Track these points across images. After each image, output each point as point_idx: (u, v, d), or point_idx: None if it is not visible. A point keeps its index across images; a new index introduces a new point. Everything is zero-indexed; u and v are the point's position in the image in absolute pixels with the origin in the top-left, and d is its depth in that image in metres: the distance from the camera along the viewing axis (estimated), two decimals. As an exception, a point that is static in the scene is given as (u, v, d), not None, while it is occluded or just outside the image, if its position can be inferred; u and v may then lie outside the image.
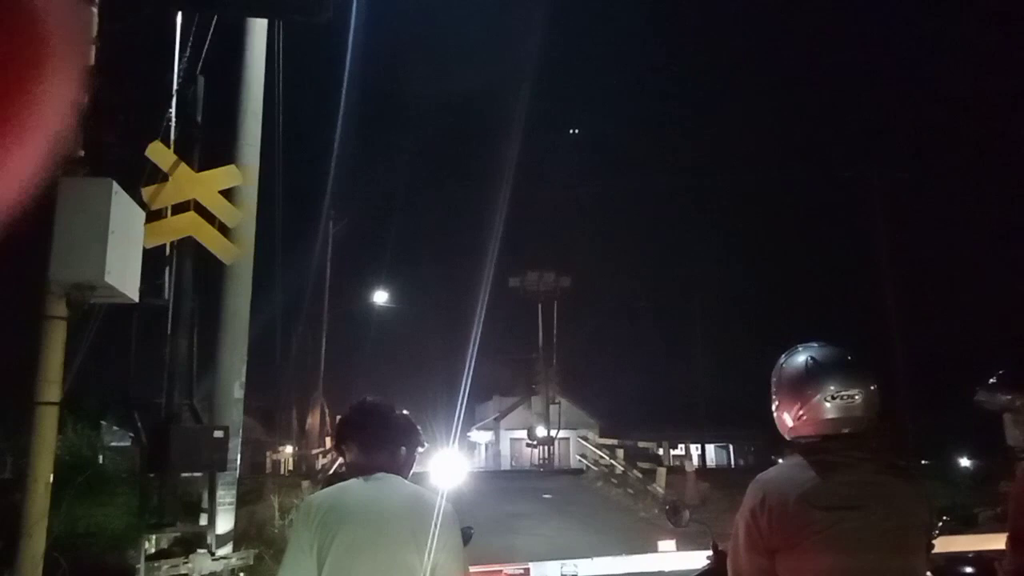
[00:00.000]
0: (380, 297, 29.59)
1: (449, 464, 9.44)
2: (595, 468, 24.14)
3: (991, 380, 2.88)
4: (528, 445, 35.29)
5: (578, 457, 29.91)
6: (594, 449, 25.52)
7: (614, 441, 27.42)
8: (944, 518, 3.52)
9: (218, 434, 5.96)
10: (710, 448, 38.55)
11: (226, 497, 6.34)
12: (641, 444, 29.56)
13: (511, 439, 40.26)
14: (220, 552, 6.04)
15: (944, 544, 3.56)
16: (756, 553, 1.94)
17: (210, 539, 5.99)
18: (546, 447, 33.42)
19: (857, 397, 1.97)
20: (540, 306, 35.31)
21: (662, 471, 17.82)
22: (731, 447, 40.53)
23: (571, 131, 46.72)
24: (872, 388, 2.00)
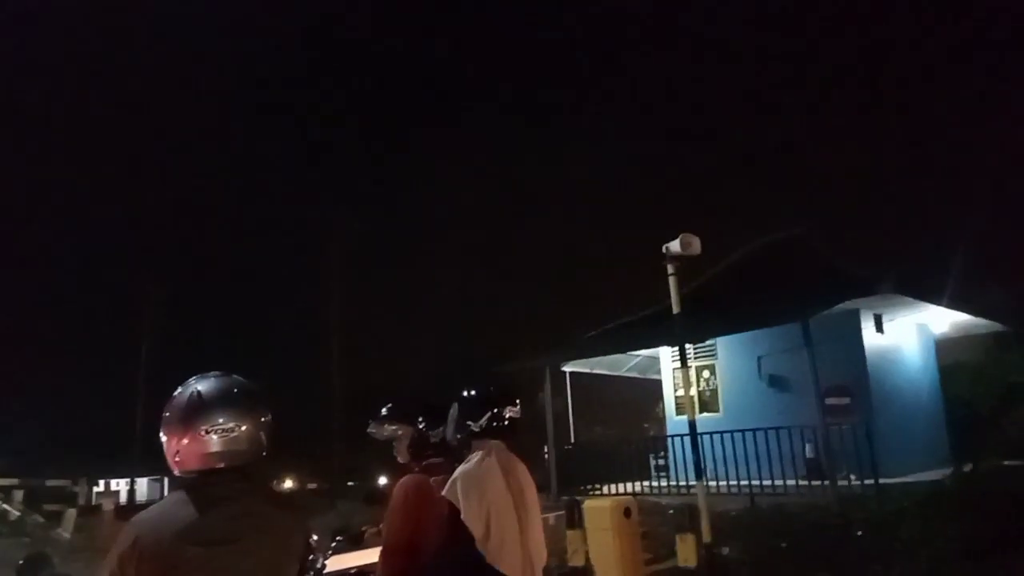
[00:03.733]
0: None
1: None
2: (-18, 515, 19.64)
3: (378, 415, 3.29)
4: None
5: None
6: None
7: (14, 481, 22.88)
8: (338, 539, 3.80)
9: None
10: (143, 482, 35.46)
11: None
12: (52, 483, 25.41)
13: None
14: None
15: (335, 562, 3.84)
16: None
17: None
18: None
19: (240, 430, 1.94)
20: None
21: (71, 513, 15.52)
22: (166, 480, 38.06)
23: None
24: (262, 420, 1.99)
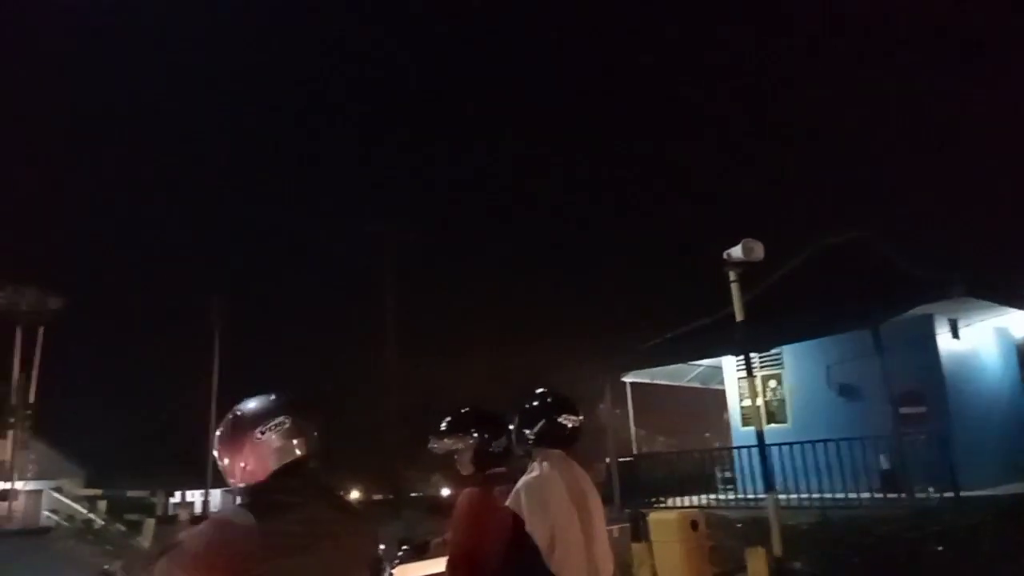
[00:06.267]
0: None
1: None
2: (68, 524, 20.66)
3: (438, 429, 3.34)
4: (-19, 502, 28.49)
5: (47, 513, 25.25)
6: (69, 502, 21.84)
7: (98, 491, 23.95)
8: (404, 548, 3.86)
9: None
10: (216, 493, 36.65)
11: None
12: (133, 493, 26.48)
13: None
14: None
15: (401, 572, 3.89)
16: None
17: None
18: (6, 503, 27.46)
19: (291, 422, 2.01)
20: (20, 329, 29.27)
21: (150, 522, 16.15)
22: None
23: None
24: (309, 417, 2.07)
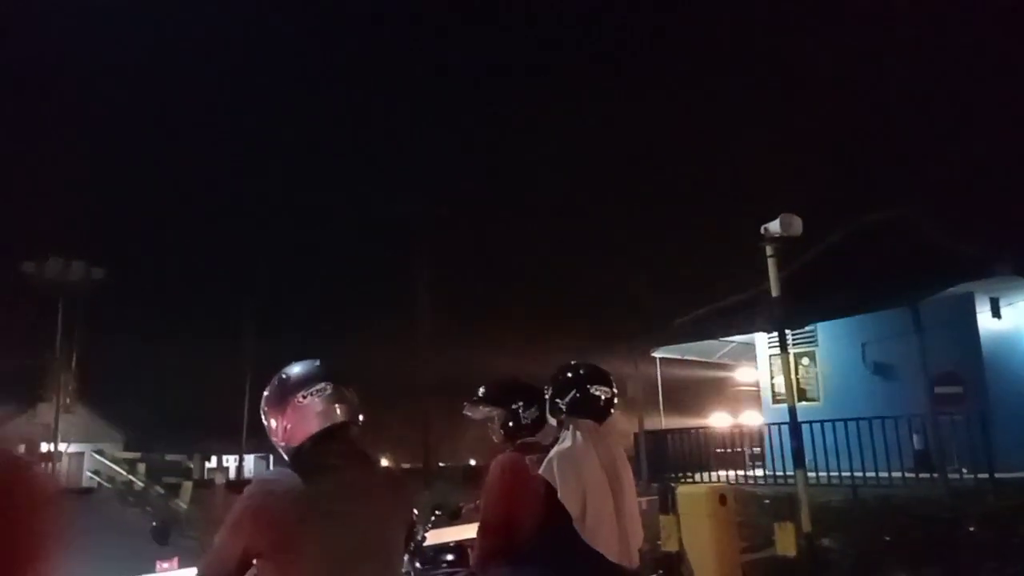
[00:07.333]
0: None
1: None
2: (109, 486, 21.36)
3: (474, 397, 3.38)
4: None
5: (89, 474, 26.13)
6: (110, 464, 22.57)
7: (137, 455, 24.70)
8: (437, 513, 3.94)
9: None
10: (250, 458, 37.56)
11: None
12: (170, 457, 27.26)
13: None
14: None
15: (434, 536, 3.98)
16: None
17: None
18: (48, 464, 28.43)
19: (333, 388, 2.06)
20: (62, 300, 30.04)
21: (188, 485, 16.63)
22: (271, 457, 40.19)
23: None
24: (349, 385, 2.12)
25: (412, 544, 3.38)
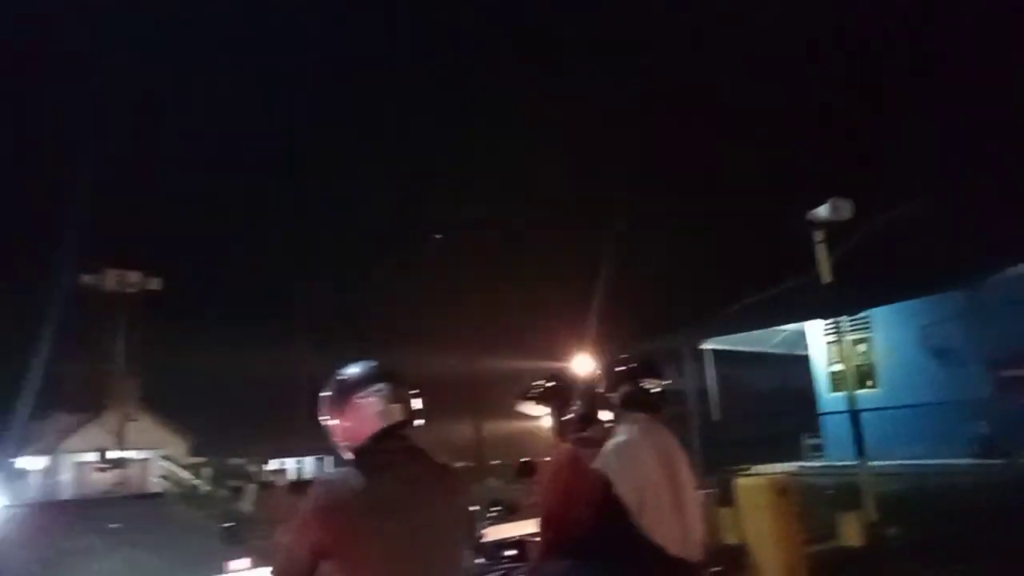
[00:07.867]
0: None
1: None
2: (177, 490, 22.04)
3: (527, 393, 3.42)
4: (98, 469, 30.69)
5: (158, 479, 27.02)
6: (176, 469, 23.34)
7: (202, 459, 25.44)
8: (494, 509, 3.99)
9: None
10: (308, 461, 38.33)
11: None
12: (233, 461, 27.98)
13: (77, 464, 34.67)
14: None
15: (493, 532, 4.04)
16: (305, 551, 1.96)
17: None
18: (120, 470, 29.48)
19: (390, 389, 2.13)
20: (121, 310, 31.07)
21: (252, 487, 17.05)
22: (329, 459, 40.86)
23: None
24: (409, 386, 2.19)
25: (471, 540, 3.44)
